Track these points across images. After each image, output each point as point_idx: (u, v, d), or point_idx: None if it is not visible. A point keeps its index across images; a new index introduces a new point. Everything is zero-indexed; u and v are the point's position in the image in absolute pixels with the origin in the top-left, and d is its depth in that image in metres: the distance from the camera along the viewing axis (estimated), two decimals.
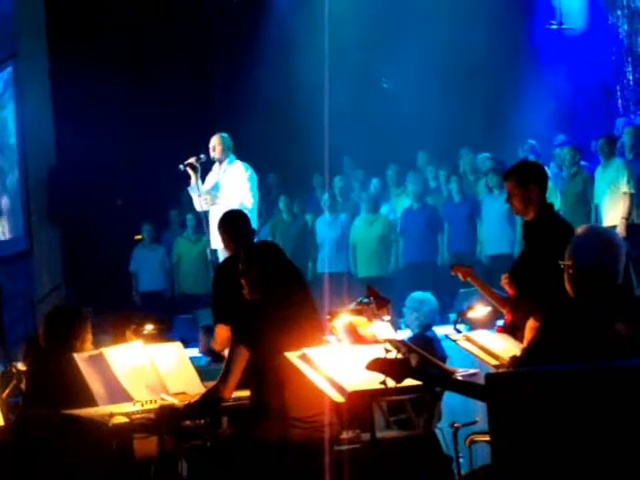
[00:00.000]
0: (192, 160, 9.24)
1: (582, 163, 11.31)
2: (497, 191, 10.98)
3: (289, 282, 5.02)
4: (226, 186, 9.45)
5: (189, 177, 9.31)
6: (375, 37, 13.26)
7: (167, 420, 4.98)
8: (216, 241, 8.84)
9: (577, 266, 3.95)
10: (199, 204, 9.38)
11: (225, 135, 9.63)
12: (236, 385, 4.92)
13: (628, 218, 10.48)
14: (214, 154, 9.50)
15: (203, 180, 9.46)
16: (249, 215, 7.31)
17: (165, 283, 13.20)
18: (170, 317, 11.30)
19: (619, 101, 13.48)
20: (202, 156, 9.33)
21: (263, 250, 5.24)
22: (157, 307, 11.86)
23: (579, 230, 4.10)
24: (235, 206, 8.94)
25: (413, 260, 11.71)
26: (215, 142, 9.53)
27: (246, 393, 5.01)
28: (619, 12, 13.66)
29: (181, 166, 9.28)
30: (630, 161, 10.76)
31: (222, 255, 8.84)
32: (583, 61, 13.46)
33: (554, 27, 13.26)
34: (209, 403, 4.96)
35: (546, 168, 11.20)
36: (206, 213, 9.45)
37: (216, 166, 9.58)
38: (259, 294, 4.99)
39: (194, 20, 14.03)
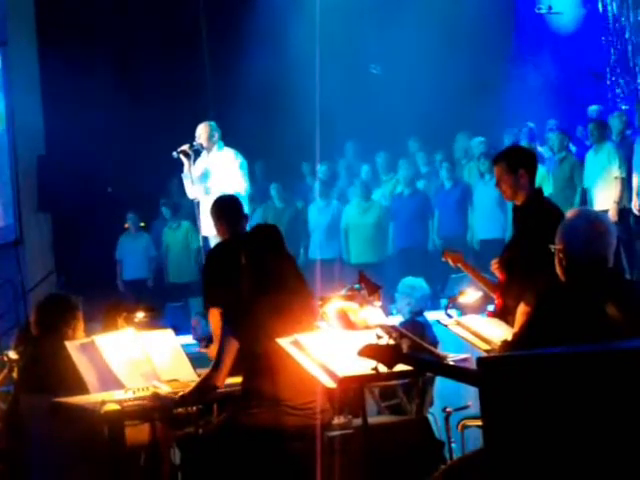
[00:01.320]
0: (185, 147, 9.23)
1: (571, 148, 11.33)
2: (488, 176, 10.99)
3: (282, 267, 5.00)
4: (217, 174, 9.43)
5: (182, 164, 9.30)
6: (365, 23, 13.24)
7: (159, 407, 4.98)
8: (207, 228, 8.82)
9: (567, 250, 3.95)
10: (191, 191, 9.37)
11: (212, 123, 9.60)
12: (228, 373, 4.92)
13: (619, 202, 10.50)
14: (200, 142, 9.44)
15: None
16: (242, 201, 7.29)
17: (149, 271, 13.17)
18: (161, 305, 11.29)
19: (607, 84, 13.46)
20: (195, 143, 9.32)
21: (254, 236, 5.22)
22: (144, 295, 11.83)
23: (569, 214, 4.09)
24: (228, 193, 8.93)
25: (404, 246, 11.74)
26: (200, 130, 9.51)
27: (238, 380, 5.01)
28: None
29: (174, 153, 9.27)
30: (621, 145, 10.76)
31: (213, 242, 8.83)
32: (572, 45, 13.46)
33: (543, 11, 13.25)
34: (203, 392, 4.95)
35: (540, 150, 11.29)
36: (198, 201, 9.44)
37: (204, 154, 9.55)
38: (251, 280, 4.97)
39: (184, 6, 13.98)
